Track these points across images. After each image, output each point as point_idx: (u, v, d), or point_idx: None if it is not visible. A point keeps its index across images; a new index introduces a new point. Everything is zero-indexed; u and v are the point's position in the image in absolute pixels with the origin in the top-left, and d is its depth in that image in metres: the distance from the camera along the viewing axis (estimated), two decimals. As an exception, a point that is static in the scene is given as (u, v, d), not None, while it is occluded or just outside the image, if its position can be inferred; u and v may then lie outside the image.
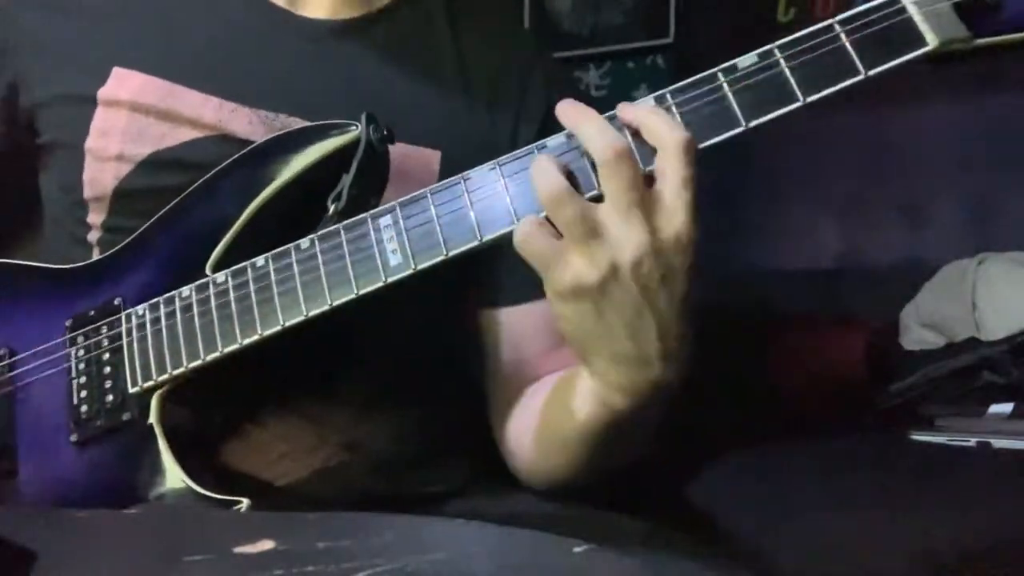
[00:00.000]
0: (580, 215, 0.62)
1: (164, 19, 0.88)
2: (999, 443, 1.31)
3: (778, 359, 1.70)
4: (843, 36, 0.63)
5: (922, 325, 1.77)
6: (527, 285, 0.87)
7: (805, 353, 1.69)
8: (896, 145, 2.12)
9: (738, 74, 0.65)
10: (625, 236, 0.62)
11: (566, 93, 0.94)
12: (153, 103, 0.83)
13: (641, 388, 0.67)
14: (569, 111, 0.66)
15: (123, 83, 0.84)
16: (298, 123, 0.83)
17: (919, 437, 1.37)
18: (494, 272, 0.88)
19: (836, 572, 0.87)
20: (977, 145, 2.02)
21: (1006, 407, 1.41)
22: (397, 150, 0.78)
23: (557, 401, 0.79)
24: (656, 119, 0.64)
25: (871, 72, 0.63)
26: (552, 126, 0.90)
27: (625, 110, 0.66)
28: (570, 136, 0.67)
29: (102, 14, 0.88)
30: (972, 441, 1.33)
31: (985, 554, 0.87)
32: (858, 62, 0.63)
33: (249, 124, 0.83)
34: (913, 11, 0.63)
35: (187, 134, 0.83)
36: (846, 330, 1.74)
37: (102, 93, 0.84)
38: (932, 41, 0.62)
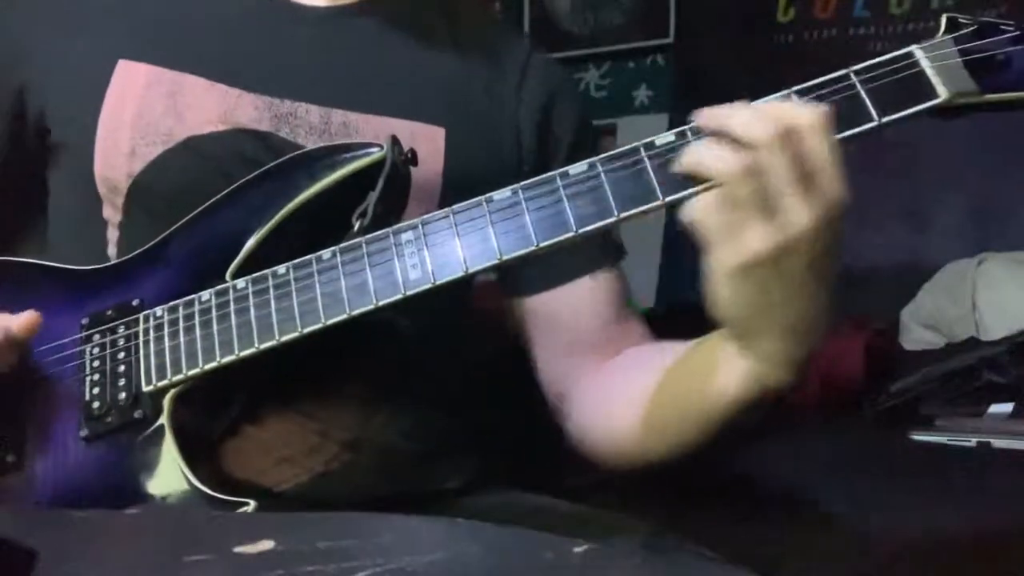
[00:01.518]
0: (763, 188, 0.64)
1: (163, 9, 0.88)
2: (999, 443, 1.31)
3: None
4: (859, 84, 0.66)
5: (922, 325, 1.77)
6: (558, 268, 0.89)
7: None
8: (897, 145, 2.12)
9: None
10: (800, 208, 0.64)
11: (565, 86, 0.96)
12: (161, 96, 0.83)
13: (802, 360, 0.69)
14: (710, 112, 0.67)
15: (130, 76, 0.84)
16: (302, 107, 0.84)
17: (919, 437, 1.37)
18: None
19: (836, 571, 0.87)
20: (978, 146, 2.02)
21: (1006, 407, 1.42)
22: (404, 127, 0.79)
23: (687, 380, 0.78)
24: (783, 107, 0.65)
25: (885, 119, 0.66)
26: (553, 118, 0.91)
27: (743, 111, 0.66)
28: (591, 165, 0.68)
29: (103, 8, 0.88)
30: (972, 441, 1.33)
31: (985, 553, 0.87)
32: (872, 110, 0.66)
33: (255, 110, 0.84)
34: (926, 65, 0.67)
35: (197, 126, 0.83)
36: (846, 330, 1.75)
37: (110, 88, 0.84)
38: (944, 94, 0.66)
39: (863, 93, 0.66)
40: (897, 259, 2.08)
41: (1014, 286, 1.65)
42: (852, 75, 0.67)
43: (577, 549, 0.52)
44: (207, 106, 0.83)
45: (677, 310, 1.99)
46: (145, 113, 0.83)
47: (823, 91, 0.67)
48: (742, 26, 2.39)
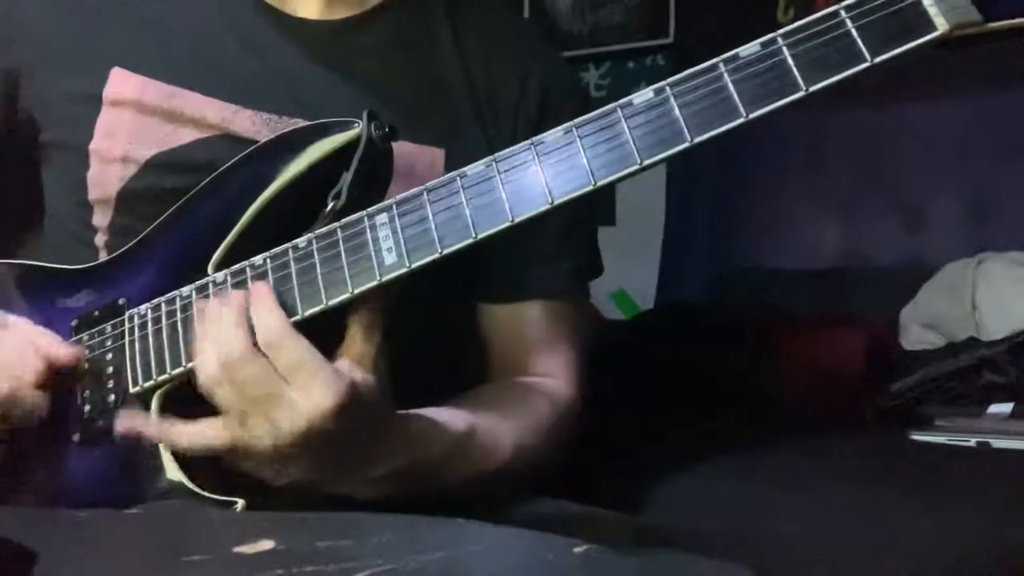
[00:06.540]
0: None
1: (159, 21, 0.87)
2: (999, 443, 1.30)
3: (778, 359, 1.70)
4: (849, 22, 0.61)
5: (922, 325, 1.77)
6: (519, 283, 0.90)
7: (805, 353, 1.69)
8: (896, 144, 2.12)
9: (739, 63, 0.63)
10: (259, 427, 0.67)
11: (564, 94, 0.95)
12: (157, 103, 0.83)
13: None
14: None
15: (124, 83, 0.84)
16: (299, 123, 0.83)
17: (919, 437, 1.37)
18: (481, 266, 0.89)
19: (835, 572, 0.87)
20: (977, 144, 2.02)
21: (1006, 407, 1.41)
22: (402, 149, 0.78)
23: None
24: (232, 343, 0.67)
25: (877, 59, 0.60)
26: (548, 122, 0.90)
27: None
28: (567, 131, 0.66)
29: (99, 13, 0.87)
30: (972, 441, 1.32)
31: (985, 554, 0.87)
32: (864, 49, 0.60)
33: (253, 125, 0.83)
34: None
35: (192, 134, 0.83)
36: (846, 330, 1.74)
37: (107, 93, 0.84)
38: (942, 26, 0.59)
39: (854, 32, 0.60)
40: (897, 259, 2.08)
41: (1014, 286, 1.65)
42: (842, 11, 0.61)
43: (577, 549, 0.52)
44: (203, 117, 0.83)
45: (677, 310, 1.99)
46: (141, 121, 0.83)
47: (811, 31, 0.61)
48: (742, 26, 2.39)
